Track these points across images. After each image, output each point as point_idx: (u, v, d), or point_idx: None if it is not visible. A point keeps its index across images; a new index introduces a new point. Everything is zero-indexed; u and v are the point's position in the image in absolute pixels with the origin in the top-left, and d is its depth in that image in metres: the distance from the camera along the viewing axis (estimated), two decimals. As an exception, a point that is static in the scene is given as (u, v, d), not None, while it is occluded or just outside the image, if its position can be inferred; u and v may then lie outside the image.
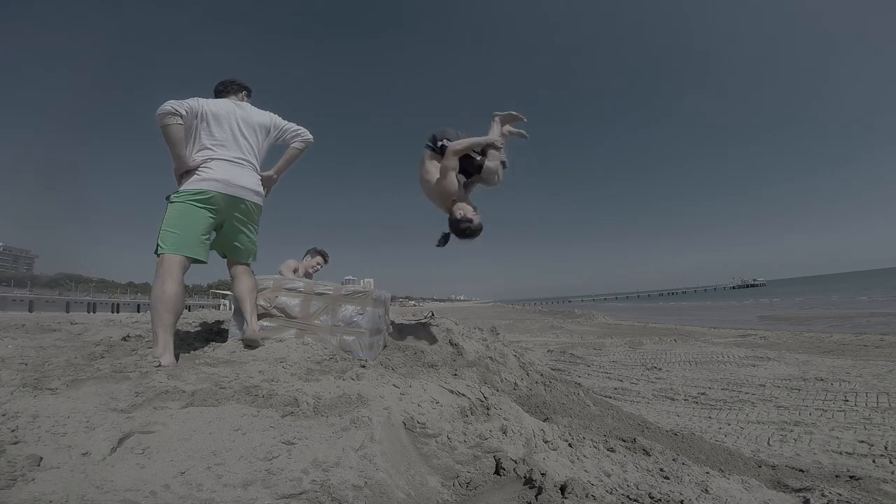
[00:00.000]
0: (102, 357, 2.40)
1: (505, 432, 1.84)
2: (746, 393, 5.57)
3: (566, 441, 1.97)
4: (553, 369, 6.14)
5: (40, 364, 2.16)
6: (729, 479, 1.84)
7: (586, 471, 1.67)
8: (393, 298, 4.94)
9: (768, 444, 3.81)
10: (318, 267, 4.89)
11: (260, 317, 2.93)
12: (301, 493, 1.04)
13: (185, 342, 3.07)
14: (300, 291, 3.01)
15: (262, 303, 2.95)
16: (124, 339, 3.14)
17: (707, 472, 1.83)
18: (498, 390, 2.86)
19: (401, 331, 4.01)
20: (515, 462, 1.60)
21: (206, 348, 2.89)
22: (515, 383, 3.45)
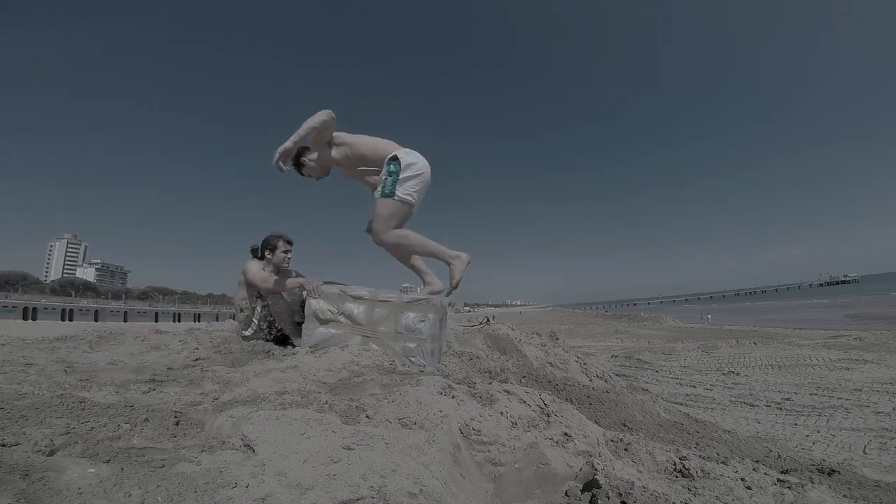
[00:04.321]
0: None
1: (566, 440, 1.79)
2: (839, 398, 5.06)
3: (632, 449, 1.87)
4: (618, 375, 5.90)
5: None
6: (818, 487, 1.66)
7: (652, 480, 1.58)
8: (448, 304, 4.61)
9: (864, 451, 3.44)
10: (289, 255, 3.96)
11: (327, 322, 3.09)
12: (358, 499, 1.07)
13: (256, 347, 3.27)
14: (365, 299, 3.12)
15: (330, 308, 3.10)
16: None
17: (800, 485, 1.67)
18: (559, 397, 2.78)
19: (457, 336, 4.02)
20: (577, 470, 1.55)
21: (275, 353, 3.07)
22: (578, 389, 3.34)
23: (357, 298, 3.13)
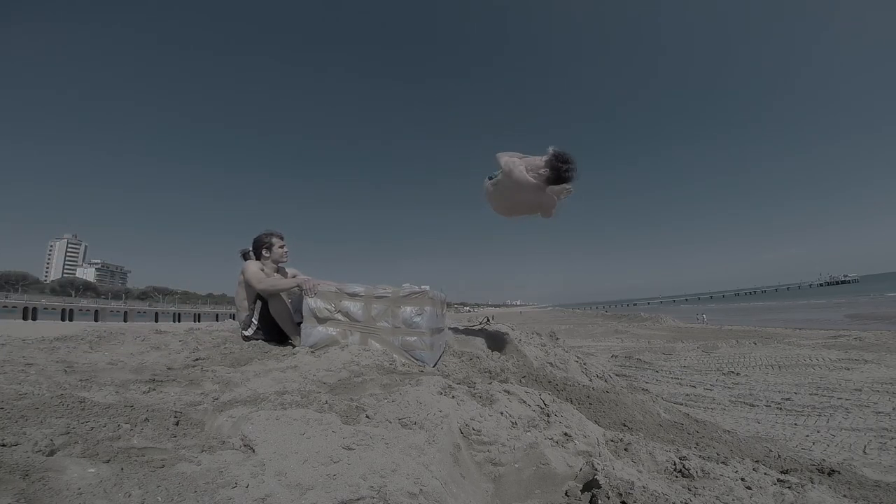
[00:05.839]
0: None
1: (566, 440, 1.79)
2: (839, 398, 5.06)
3: (632, 449, 1.87)
4: (618, 375, 5.89)
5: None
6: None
7: (652, 480, 1.58)
8: (448, 304, 4.56)
9: (864, 451, 3.44)
10: (286, 249, 3.93)
11: (326, 321, 3.10)
12: (358, 499, 1.07)
13: (256, 347, 3.27)
14: (361, 296, 3.13)
15: (327, 306, 3.12)
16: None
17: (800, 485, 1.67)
18: (559, 397, 2.78)
19: (456, 336, 4.01)
20: (577, 470, 1.55)
21: (275, 353, 3.06)
22: (578, 389, 3.34)
23: (353, 296, 3.15)
